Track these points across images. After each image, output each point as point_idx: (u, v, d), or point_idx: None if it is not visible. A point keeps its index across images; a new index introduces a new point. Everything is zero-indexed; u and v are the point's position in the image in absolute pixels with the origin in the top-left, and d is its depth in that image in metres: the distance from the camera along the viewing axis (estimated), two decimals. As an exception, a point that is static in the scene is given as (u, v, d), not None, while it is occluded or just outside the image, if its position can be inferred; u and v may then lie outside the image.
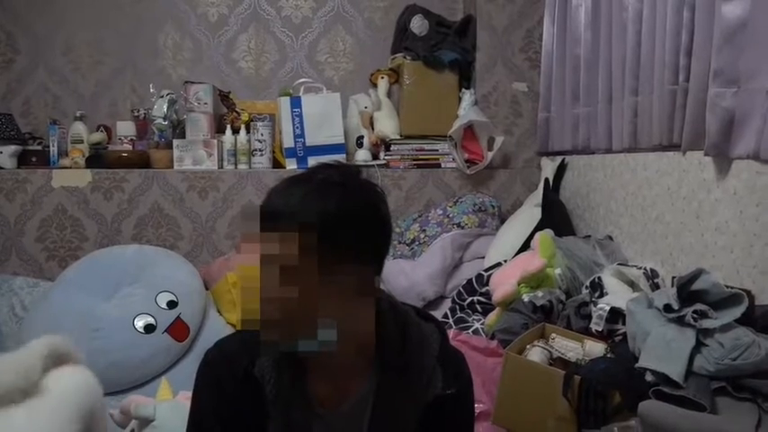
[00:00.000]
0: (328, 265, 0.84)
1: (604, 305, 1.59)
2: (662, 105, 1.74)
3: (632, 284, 1.72)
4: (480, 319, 1.96)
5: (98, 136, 2.73)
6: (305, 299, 0.85)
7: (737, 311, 1.24)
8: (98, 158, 2.64)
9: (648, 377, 1.24)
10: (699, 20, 1.56)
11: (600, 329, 1.57)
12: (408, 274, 2.22)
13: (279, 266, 0.84)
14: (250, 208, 0.88)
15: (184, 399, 1.56)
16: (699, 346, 1.23)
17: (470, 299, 2.06)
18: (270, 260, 0.84)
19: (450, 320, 1.99)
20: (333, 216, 0.84)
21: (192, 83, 2.68)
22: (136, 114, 2.75)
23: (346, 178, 0.90)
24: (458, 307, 2.08)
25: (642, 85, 1.88)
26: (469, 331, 1.89)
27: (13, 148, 2.61)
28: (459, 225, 2.37)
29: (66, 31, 2.86)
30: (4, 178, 2.57)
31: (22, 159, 2.67)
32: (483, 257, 2.30)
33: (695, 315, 1.26)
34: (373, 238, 0.89)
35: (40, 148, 2.73)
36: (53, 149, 2.67)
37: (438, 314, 2.00)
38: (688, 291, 1.31)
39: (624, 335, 1.51)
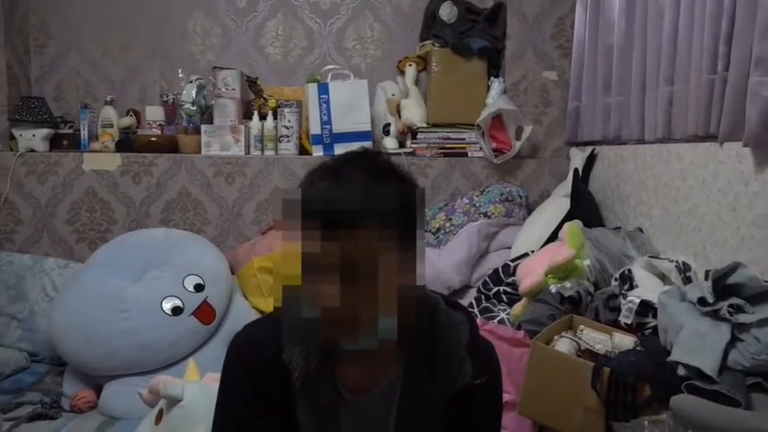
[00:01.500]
0: (391, 256, 0.83)
1: (634, 298, 1.57)
2: (699, 95, 1.69)
3: (663, 278, 1.69)
4: (506, 310, 1.94)
5: (127, 120, 2.76)
6: (373, 294, 0.83)
7: (775, 306, 1.21)
8: (127, 142, 2.67)
9: (681, 371, 1.22)
10: (740, 6, 1.51)
11: (629, 322, 1.55)
12: (434, 263, 2.21)
13: (345, 267, 0.81)
14: (310, 204, 0.81)
15: (212, 380, 1.58)
16: (734, 340, 1.20)
17: (496, 288, 2.04)
18: (334, 263, 0.81)
19: (476, 310, 1.98)
20: (393, 208, 0.82)
21: (221, 68, 2.69)
22: (165, 99, 2.77)
23: (388, 166, 0.89)
24: (483, 297, 2.07)
25: (678, 74, 1.83)
26: (495, 321, 1.88)
27: (45, 131, 2.66)
28: (485, 214, 2.35)
29: (98, 16, 2.89)
30: (37, 161, 2.62)
31: (54, 143, 2.72)
32: (509, 247, 2.28)
33: (731, 309, 1.23)
34: (416, 222, 0.87)
35: (71, 131, 2.78)
36: (84, 133, 2.71)
37: (463, 303, 1.98)
38: (723, 284, 1.28)
39: (654, 328, 1.48)
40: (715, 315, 1.25)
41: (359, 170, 0.86)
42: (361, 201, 0.82)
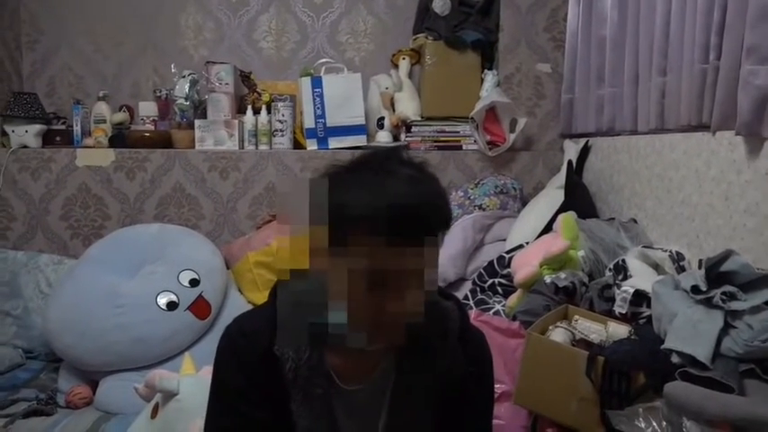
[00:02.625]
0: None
1: (628, 287, 1.57)
2: (691, 85, 1.69)
3: (657, 267, 1.69)
4: (501, 301, 1.95)
5: (121, 116, 2.75)
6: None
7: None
8: (121, 138, 2.66)
9: (674, 359, 1.22)
10: (732, -5, 1.51)
11: (624, 312, 1.55)
12: (429, 256, 2.21)
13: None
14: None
15: (207, 374, 1.57)
16: (727, 327, 1.21)
17: (491, 281, 2.05)
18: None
19: (471, 302, 1.99)
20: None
21: (214, 63, 2.68)
22: (158, 95, 2.76)
23: (423, 167, 0.90)
24: (478, 289, 2.07)
25: (671, 64, 1.83)
26: (490, 313, 1.88)
27: (37, 127, 2.65)
28: (480, 207, 2.35)
29: (89, 11, 2.88)
30: (30, 157, 2.60)
31: (47, 139, 2.71)
32: (504, 240, 2.28)
33: (724, 296, 1.23)
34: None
35: (63, 127, 2.77)
36: (77, 129, 2.70)
37: (459, 296, 1.99)
38: (716, 272, 1.29)
39: (648, 318, 1.49)
40: (708, 303, 1.26)
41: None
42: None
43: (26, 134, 2.62)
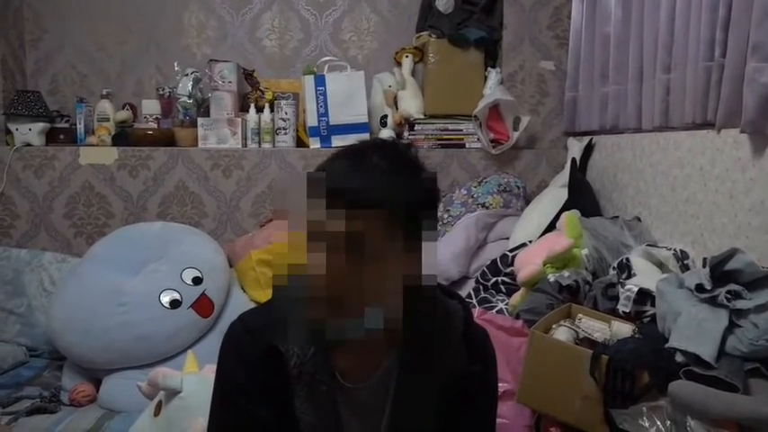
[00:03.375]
0: (396, 244, 0.84)
1: (632, 286, 1.57)
2: (696, 82, 1.68)
3: (661, 266, 1.69)
4: (505, 300, 1.94)
5: (124, 114, 2.75)
6: (369, 278, 0.83)
7: (773, 292, 1.21)
8: (124, 136, 2.66)
9: (679, 358, 1.22)
10: (737, -8, 1.51)
11: (627, 311, 1.55)
12: (432, 254, 2.21)
13: (345, 245, 0.82)
14: (315, 181, 0.83)
15: (211, 372, 1.57)
16: (732, 326, 1.20)
17: (495, 279, 2.05)
18: (337, 240, 0.82)
19: (474, 300, 1.98)
20: (405, 197, 0.83)
21: (217, 61, 2.68)
22: (161, 93, 2.76)
23: (410, 157, 0.90)
24: (482, 287, 2.07)
25: (675, 62, 1.83)
26: (494, 311, 1.88)
27: (41, 125, 2.65)
28: (483, 205, 2.35)
29: (93, 9, 2.88)
30: (33, 155, 2.61)
31: (50, 137, 2.71)
32: (507, 238, 2.28)
33: (728, 295, 1.23)
34: (433, 216, 0.89)
35: (67, 125, 2.77)
36: (80, 127, 2.70)
37: (461, 294, 1.98)
38: (721, 271, 1.28)
39: (652, 316, 1.48)
40: (713, 301, 1.25)
41: (380, 155, 0.87)
42: (372, 182, 0.82)
43: (29, 132, 2.62)
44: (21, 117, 2.62)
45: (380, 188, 0.82)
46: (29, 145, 2.63)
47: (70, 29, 2.88)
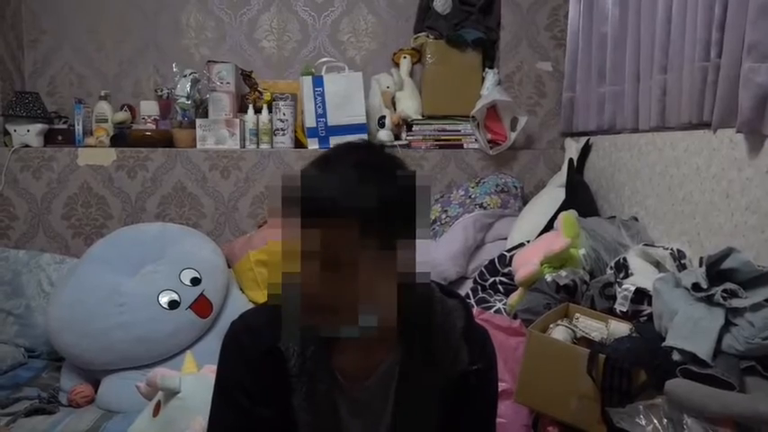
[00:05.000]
0: (370, 249, 0.83)
1: (629, 285, 1.57)
2: (692, 82, 1.69)
3: (658, 265, 1.69)
4: (503, 300, 1.95)
5: (122, 115, 2.75)
6: (347, 285, 0.84)
7: (769, 291, 1.22)
8: (122, 137, 2.66)
9: (675, 356, 1.22)
10: (733, -7, 1.51)
11: (625, 310, 1.56)
12: (430, 254, 2.21)
13: (323, 255, 0.82)
14: (290, 191, 0.83)
15: (209, 372, 1.58)
16: (728, 325, 1.21)
17: (492, 279, 2.05)
18: (313, 251, 0.82)
19: (472, 300, 1.99)
20: (376, 203, 0.83)
21: (215, 62, 2.69)
22: (159, 94, 2.76)
23: (381, 160, 0.90)
24: (480, 287, 2.07)
25: (671, 62, 1.83)
26: (491, 311, 1.88)
27: (39, 126, 2.65)
28: (481, 206, 2.35)
29: (90, 10, 2.88)
30: (31, 156, 2.61)
31: (49, 138, 2.72)
32: (505, 238, 2.28)
33: (725, 294, 1.23)
34: (411, 217, 0.88)
35: (65, 126, 2.77)
36: (78, 128, 2.71)
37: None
38: (717, 270, 1.29)
39: (649, 316, 1.49)
40: (709, 300, 1.26)
41: (349, 162, 0.87)
42: (340, 192, 0.82)
43: (28, 133, 2.63)
44: (19, 118, 2.62)
45: (350, 196, 0.82)
46: (27, 146, 2.63)
47: (68, 30, 2.89)
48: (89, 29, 2.89)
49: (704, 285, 1.28)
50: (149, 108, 2.75)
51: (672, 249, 1.65)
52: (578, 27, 2.51)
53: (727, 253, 1.30)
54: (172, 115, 2.73)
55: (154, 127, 2.71)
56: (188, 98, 2.63)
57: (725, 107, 1.54)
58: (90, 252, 2.24)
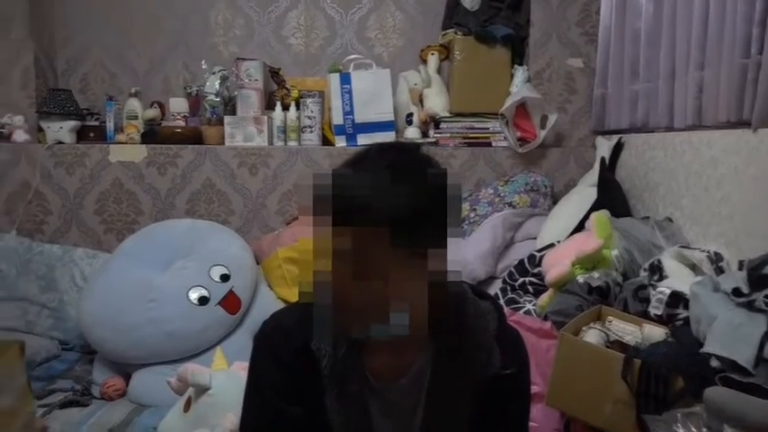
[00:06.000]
0: (401, 254, 0.83)
1: (665, 288, 1.54)
2: (731, 80, 1.65)
3: (694, 268, 1.65)
4: (532, 300, 1.93)
5: (152, 112, 2.78)
6: (378, 288, 0.83)
7: (813, 297, 1.18)
8: (152, 134, 2.69)
9: (714, 363, 1.20)
10: (776, -12, 1.47)
11: (659, 313, 1.52)
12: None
13: (353, 257, 0.82)
14: (320, 191, 0.83)
15: (239, 369, 1.59)
16: (770, 331, 1.18)
17: (522, 279, 2.03)
18: (344, 250, 0.82)
19: (502, 301, 1.97)
20: (408, 208, 0.82)
21: (243, 59, 2.70)
22: (188, 91, 2.78)
23: (415, 163, 0.88)
24: (509, 287, 2.05)
25: (709, 59, 1.79)
26: (521, 312, 1.87)
27: (72, 123, 2.70)
28: (510, 204, 2.33)
29: (122, 9, 2.92)
30: (65, 152, 2.65)
31: (81, 134, 2.76)
32: (535, 238, 2.26)
33: (767, 300, 1.20)
34: (443, 219, 0.86)
35: (97, 123, 2.81)
36: (110, 125, 2.74)
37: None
38: (759, 274, 1.25)
39: (685, 320, 1.46)
40: (750, 306, 1.22)
41: (382, 164, 0.86)
42: (373, 196, 0.81)
43: (61, 130, 2.67)
44: (52, 115, 2.67)
45: (383, 201, 0.81)
46: (60, 143, 2.67)
47: (100, 28, 2.92)
48: (120, 27, 2.93)
49: (745, 290, 1.25)
50: (179, 105, 2.77)
51: (709, 252, 1.62)
52: (610, 23, 2.46)
53: (769, 257, 1.26)
54: (201, 112, 2.75)
55: (183, 124, 2.73)
56: (217, 95, 2.65)
57: (766, 106, 1.50)
58: (121, 247, 2.27)
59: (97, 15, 2.92)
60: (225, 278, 2.13)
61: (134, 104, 2.75)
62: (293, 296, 2.20)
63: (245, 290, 2.17)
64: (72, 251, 2.50)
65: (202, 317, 2.05)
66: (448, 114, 2.68)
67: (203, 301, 2.06)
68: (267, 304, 2.20)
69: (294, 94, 2.70)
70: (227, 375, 1.58)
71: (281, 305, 2.22)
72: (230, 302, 2.10)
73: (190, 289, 2.07)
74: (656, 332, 1.45)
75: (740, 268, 1.39)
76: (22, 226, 2.64)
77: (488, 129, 2.65)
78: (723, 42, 1.70)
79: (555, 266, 1.83)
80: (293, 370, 0.94)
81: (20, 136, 2.68)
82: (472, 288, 1.02)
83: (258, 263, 2.37)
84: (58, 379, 2.14)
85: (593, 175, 2.30)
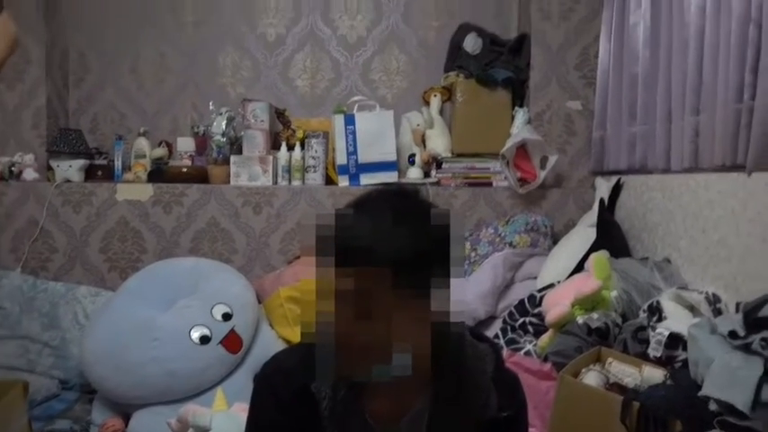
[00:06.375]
0: (404, 296, 0.84)
1: (663, 330, 1.55)
2: (725, 124, 1.68)
3: (692, 309, 1.66)
4: (532, 341, 1.93)
5: (160, 151, 2.84)
6: (381, 330, 0.84)
7: (809, 341, 1.19)
8: (159, 173, 2.74)
9: (712, 406, 1.19)
10: (766, 34, 1.51)
11: (658, 355, 1.53)
12: (459, 293, 2.21)
13: (356, 299, 0.84)
14: (323, 232, 0.85)
15: (239, 410, 1.59)
16: (766, 375, 1.18)
17: (522, 319, 2.03)
18: (347, 291, 0.84)
19: (502, 341, 1.97)
20: (411, 252, 0.84)
21: (250, 101, 2.76)
22: (196, 131, 2.85)
23: (416, 207, 0.91)
24: (509, 327, 2.05)
25: (704, 103, 1.83)
26: (521, 353, 1.86)
27: (81, 162, 2.75)
28: (510, 244, 2.35)
29: (133, 51, 3.01)
30: (72, 191, 2.70)
31: (89, 173, 2.81)
32: (535, 278, 2.27)
33: (763, 342, 1.20)
34: (446, 261, 0.88)
35: (105, 162, 2.87)
36: (117, 164, 2.80)
37: (489, 334, 1.98)
38: (755, 317, 1.26)
39: (684, 361, 1.46)
40: (746, 349, 1.23)
41: (385, 208, 0.88)
42: (375, 240, 0.83)
43: (70, 169, 2.72)
44: (62, 154, 2.72)
45: (385, 245, 0.83)
46: (69, 181, 2.72)
47: (112, 69, 3.01)
48: (131, 68, 3.01)
49: (741, 333, 1.25)
50: (186, 144, 2.83)
51: (707, 293, 1.63)
52: (608, 66, 2.52)
53: (766, 299, 1.27)
54: (207, 152, 2.80)
55: (190, 163, 2.79)
56: (223, 135, 2.70)
57: (760, 150, 1.53)
58: (125, 286, 2.28)
59: (110, 57, 3.01)
60: (227, 317, 2.13)
61: (142, 143, 2.80)
62: (294, 335, 2.20)
63: (247, 329, 2.17)
64: (75, 289, 2.52)
65: (204, 356, 2.04)
66: (450, 155, 2.73)
67: (205, 340, 2.06)
68: (268, 343, 2.20)
69: (299, 134, 2.76)
70: (227, 416, 1.57)
71: (283, 344, 2.22)
72: (231, 342, 2.10)
73: (192, 328, 2.07)
74: (656, 374, 1.45)
75: (737, 310, 1.40)
76: (27, 263, 2.67)
77: (489, 169, 2.69)
78: (717, 88, 1.74)
79: (555, 307, 1.84)
80: (293, 411, 0.94)
81: (29, 174, 2.73)
82: (470, 330, 1.03)
83: (260, 302, 2.37)
84: (57, 419, 2.13)
85: (593, 215, 2.32)
